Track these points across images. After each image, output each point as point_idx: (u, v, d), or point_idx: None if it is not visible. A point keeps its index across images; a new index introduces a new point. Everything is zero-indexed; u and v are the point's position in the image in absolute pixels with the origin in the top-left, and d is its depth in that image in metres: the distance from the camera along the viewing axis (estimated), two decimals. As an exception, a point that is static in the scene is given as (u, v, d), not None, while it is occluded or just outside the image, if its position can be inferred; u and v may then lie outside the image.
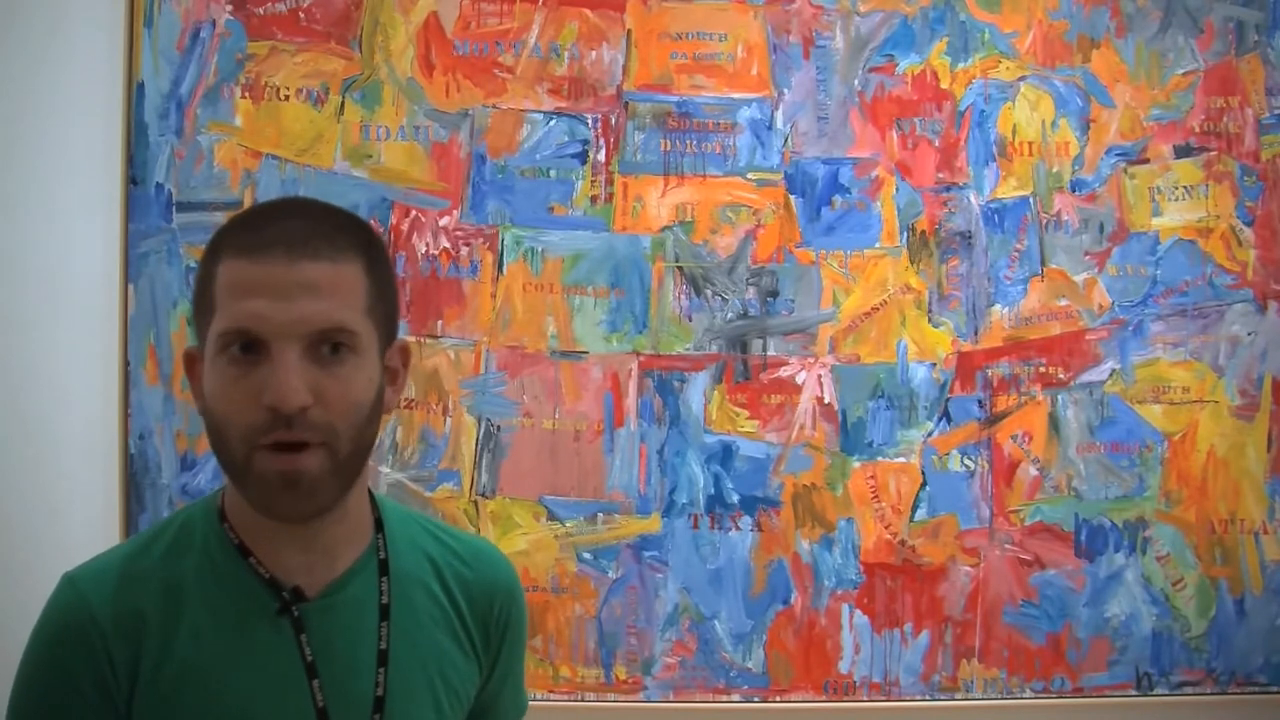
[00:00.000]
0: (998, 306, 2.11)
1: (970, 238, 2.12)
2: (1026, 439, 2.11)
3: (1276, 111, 2.14)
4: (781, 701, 2.07)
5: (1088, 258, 2.12)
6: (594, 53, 2.11)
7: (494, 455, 2.07)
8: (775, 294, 2.10)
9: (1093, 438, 2.11)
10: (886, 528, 2.09)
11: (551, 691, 2.06)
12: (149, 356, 2.03)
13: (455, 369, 2.07)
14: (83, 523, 1.94)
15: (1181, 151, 2.14)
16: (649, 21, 2.11)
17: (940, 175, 2.12)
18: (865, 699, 2.08)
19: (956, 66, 2.13)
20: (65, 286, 1.93)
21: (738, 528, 2.08)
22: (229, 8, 2.07)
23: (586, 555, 2.07)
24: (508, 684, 1.22)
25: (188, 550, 1.05)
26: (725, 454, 2.08)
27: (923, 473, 2.10)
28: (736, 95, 2.12)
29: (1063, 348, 2.12)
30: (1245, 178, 2.13)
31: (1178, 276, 2.13)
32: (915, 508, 2.09)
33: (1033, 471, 2.10)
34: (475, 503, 2.06)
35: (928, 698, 2.09)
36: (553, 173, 2.10)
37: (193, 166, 2.05)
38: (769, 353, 2.10)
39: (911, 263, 2.11)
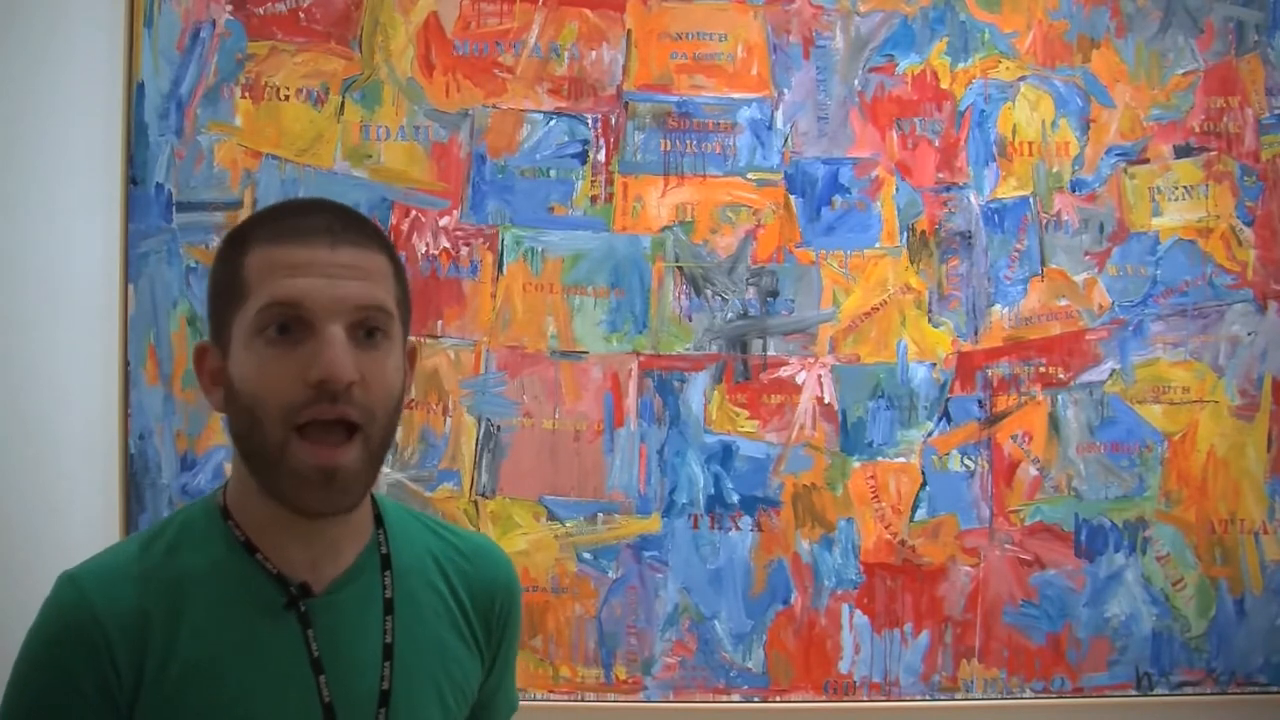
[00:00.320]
0: (998, 306, 2.11)
1: (970, 238, 2.12)
2: (1026, 439, 2.11)
3: (1276, 111, 2.14)
4: (781, 701, 2.07)
5: (1088, 258, 2.12)
6: (594, 53, 2.11)
7: (494, 455, 2.07)
8: (775, 294, 2.10)
9: (1093, 438, 2.11)
10: (886, 528, 2.09)
11: (551, 691, 2.05)
12: (149, 356, 2.03)
13: (455, 369, 2.07)
14: (83, 522, 1.93)
15: (1181, 151, 2.14)
16: (649, 21, 2.11)
17: (940, 175, 2.12)
18: (865, 699, 2.08)
19: (956, 66, 2.13)
20: (65, 286, 1.93)
21: (738, 528, 2.08)
22: (229, 8, 2.07)
23: (586, 555, 2.07)
24: (505, 680, 1.22)
25: (190, 548, 1.05)
26: (725, 454, 2.08)
27: (923, 473, 2.10)
28: (736, 95, 2.12)
29: (1063, 348, 2.12)
30: (1245, 178, 2.14)
31: (1178, 276, 2.13)
32: (915, 508, 2.09)
33: (1033, 471, 2.10)
34: (475, 503, 2.06)
35: (928, 698, 2.08)
36: (553, 173, 2.10)
37: (193, 166, 2.05)
38: (769, 353, 2.10)
39: (911, 263, 2.11)
